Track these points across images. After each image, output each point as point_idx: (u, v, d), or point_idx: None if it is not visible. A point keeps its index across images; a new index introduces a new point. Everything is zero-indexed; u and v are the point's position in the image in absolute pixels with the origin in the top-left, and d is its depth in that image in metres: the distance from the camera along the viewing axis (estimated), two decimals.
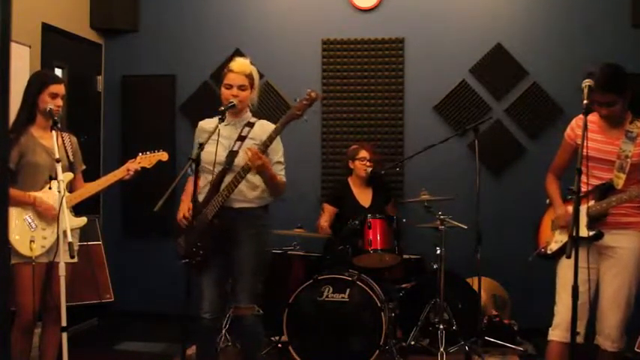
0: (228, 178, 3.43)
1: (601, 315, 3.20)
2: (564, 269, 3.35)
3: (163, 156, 3.77)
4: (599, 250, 3.26)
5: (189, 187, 3.55)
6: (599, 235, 3.19)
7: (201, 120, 3.69)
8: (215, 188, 3.45)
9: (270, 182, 3.46)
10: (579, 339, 3.17)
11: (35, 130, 3.58)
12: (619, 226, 3.22)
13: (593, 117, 3.42)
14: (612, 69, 3.18)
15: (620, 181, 3.18)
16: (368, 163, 4.90)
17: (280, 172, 3.52)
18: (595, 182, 3.30)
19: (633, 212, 3.25)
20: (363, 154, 4.92)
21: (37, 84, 3.57)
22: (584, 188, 3.35)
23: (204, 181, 3.50)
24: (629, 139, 3.20)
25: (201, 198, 3.47)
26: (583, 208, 3.35)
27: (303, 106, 3.33)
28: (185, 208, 3.53)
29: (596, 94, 3.14)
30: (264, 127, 3.55)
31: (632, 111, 3.22)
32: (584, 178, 3.36)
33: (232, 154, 3.46)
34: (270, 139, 3.34)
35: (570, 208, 3.34)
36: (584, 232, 3.08)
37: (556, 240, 3.44)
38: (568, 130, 3.50)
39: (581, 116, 3.43)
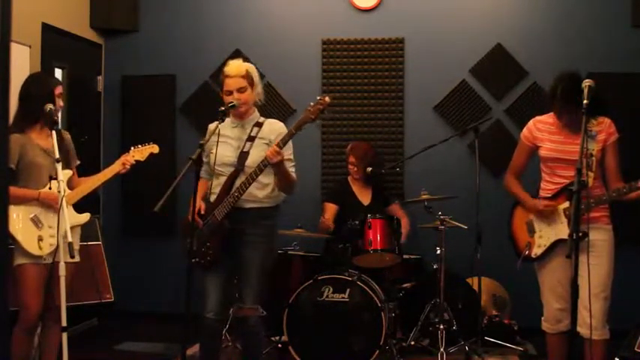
0: (239, 180, 3.44)
1: (584, 306, 3.21)
2: (550, 273, 3.52)
3: (154, 148, 3.84)
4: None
5: (199, 188, 3.58)
6: (585, 236, 3.25)
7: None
8: (227, 189, 3.46)
9: (284, 179, 3.48)
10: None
11: (32, 130, 3.58)
12: (591, 221, 3.32)
13: (549, 118, 3.54)
14: (576, 79, 3.23)
15: (590, 179, 3.32)
16: (355, 169, 4.94)
17: (291, 170, 3.54)
18: (560, 181, 3.46)
19: (599, 207, 3.41)
20: (351, 159, 4.97)
21: (46, 85, 3.59)
22: (552, 187, 3.45)
23: (215, 182, 3.52)
24: (590, 138, 3.32)
25: (213, 199, 3.50)
26: (559, 210, 3.44)
27: (317, 111, 3.37)
28: (196, 207, 3.51)
29: (565, 106, 3.32)
30: (272, 126, 3.58)
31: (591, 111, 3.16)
32: (549, 177, 3.48)
33: (243, 155, 3.47)
34: (284, 141, 3.36)
35: (545, 203, 3.48)
36: (567, 233, 3.22)
37: (539, 244, 3.55)
38: (524, 132, 3.64)
39: (538, 118, 3.60)
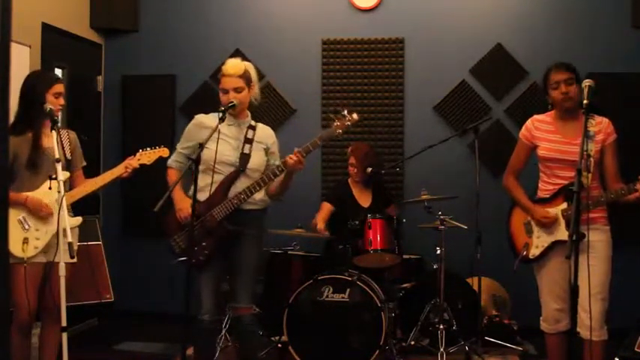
0: (240, 181, 3.44)
1: (583, 307, 3.21)
2: (548, 274, 3.52)
3: (164, 152, 3.74)
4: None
5: (171, 179, 3.55)
6: (583, 236, 3.24)
7: None
8: (224, 190, 3.44)
9: (287, 185, 3.51)
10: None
11: (32, 130, 3.54)
12: (589, 222, 3.29)
13: (548, 117, 3.54)
14: (565, 62, 3.51)
15: (587, 180, 3.31)
16: (355, 170, 4.92)
17: None
18: (558, 181, 3.46)
19: (597, 208, 3.39)
20: (351, 160, 4.95)
21: (43, 84, 3.54)
22: (550, 188, 3.45)
23: (207, 178, 3.41)
24: (589, 139, 3.31)
25: (202, 196, 3.42)
26: (555, 211, 3.43)
27: (345, 127, 3.40)
28: (183, 205, 3.48)
29: (556, 74, 3.41)
30: (266, 132, 3.62)
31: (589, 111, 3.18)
32: (547, 177, 3.48)
33: (244, 157, 3.46)
34: (306, 151, 3.36)
35: (547, 210, 3.49)
36: (566, 235, 3.28)
37: (536, 245, 3.55)
38: (523, 131, 3.65)
39: (536, 117, 3.61)
